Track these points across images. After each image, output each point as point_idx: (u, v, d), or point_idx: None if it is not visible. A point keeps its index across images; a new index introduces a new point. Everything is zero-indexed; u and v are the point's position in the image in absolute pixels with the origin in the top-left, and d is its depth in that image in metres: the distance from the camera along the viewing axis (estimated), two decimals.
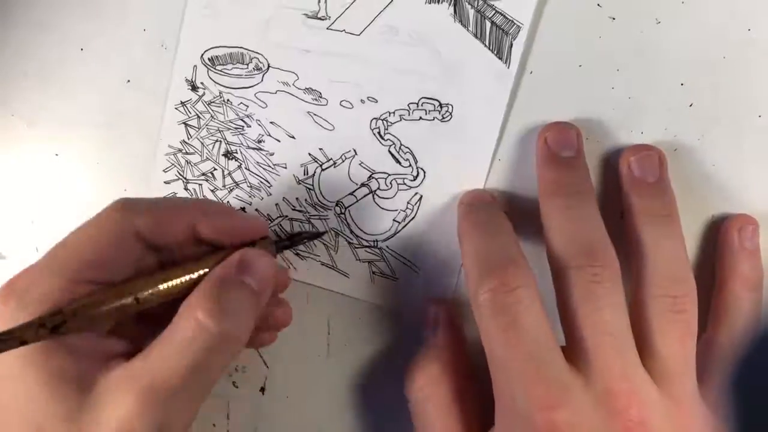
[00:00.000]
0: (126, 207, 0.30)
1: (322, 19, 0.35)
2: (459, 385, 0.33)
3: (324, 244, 0.37)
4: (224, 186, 0.37)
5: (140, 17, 0.37)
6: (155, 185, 0.38)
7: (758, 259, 0.33)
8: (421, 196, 0.35)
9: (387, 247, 0.36)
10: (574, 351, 0.29)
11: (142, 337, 0.31)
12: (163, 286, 0.29)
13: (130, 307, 0.29)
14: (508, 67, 0.34)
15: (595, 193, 0.32)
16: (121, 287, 0.29)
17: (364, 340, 0.37)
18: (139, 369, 0.27)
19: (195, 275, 0.30)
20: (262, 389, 0.38)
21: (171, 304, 0.29)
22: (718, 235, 0.33)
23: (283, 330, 0.35)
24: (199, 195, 0.38)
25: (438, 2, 0.34)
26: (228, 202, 0.37)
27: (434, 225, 0.36)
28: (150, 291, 0.29)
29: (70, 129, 0.39)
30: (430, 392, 0.33)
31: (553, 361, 0.28)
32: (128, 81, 0.38)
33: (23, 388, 0.27)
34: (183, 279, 0.29)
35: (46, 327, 0.27)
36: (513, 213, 0.34)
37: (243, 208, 0.37)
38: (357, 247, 0.36)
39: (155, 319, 0.30)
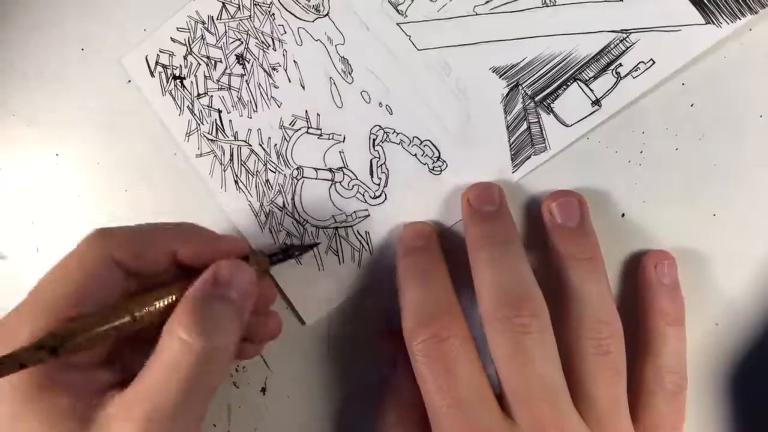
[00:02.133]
0: (103, 239, 0.29)
1: (400, 13, 0.34)
2: (425, 421, 0.33)
3: (263, 191, 0.37)
4: (217, 80, 0.37)
5: (140, 17, 0.36)
6: (161, 35, 0.37)
7: (678, 293, 0.33)
8: (369, 215, 0.36)
9: (312, 233, 0.37)
10: (507, 400, 0.29)
11: (131, 362, 0.30)
12: (158, 304, 0.29)
13: (127, 326, 0.28)
14: (513, 172, 0.34)
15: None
16: (116, 307, 0.28)
17: (364, 340, 0.37)
18: (134, 398, 0.27)
19: (182, 294, 0.29)
20: (263, 389, 0.38)
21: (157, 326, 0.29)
22: (637, 273, 0.34)
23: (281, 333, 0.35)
24: (191, 71, 0.37)
25: (500, 76, 0.34)
26: (211, 96, 0.37)
27: (362, 244, 0.36)
28: (146, 309, 0.28)
29: (70, 129, 0.38)
30: (400, 429, 0.33)
31: (485, 408, 0.29)
32: (128, 81, 0.37)
33: (22, 428, 0.27)
34: (176, 296, 0.29)
35: (45, 349, 0.26)
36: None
37: (219, 111, 0.37)
38: (287, 214, 0.37)
39: (140, 341, 0.30)
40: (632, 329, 0.33)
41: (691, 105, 0.33)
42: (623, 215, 0.34)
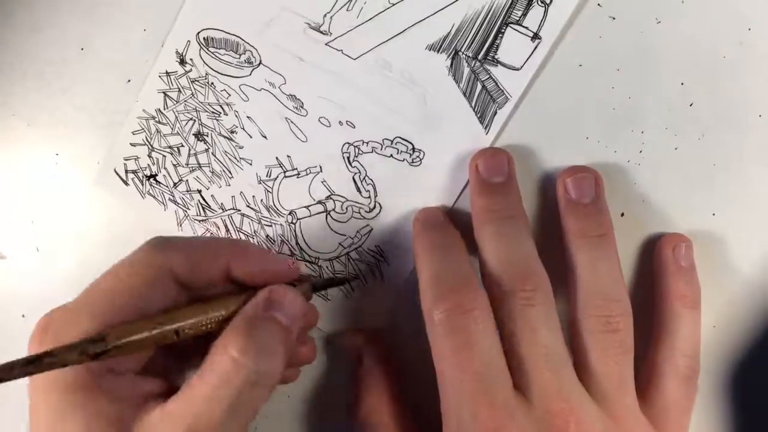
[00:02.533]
0: (161, 247, 0.30)
1: (324, 34, 0.35)
2: (397, 407, 0.34)
3: (267, 247, 0.37)
4: (187, 164, 0.38)
5: (140, 17, 0.37)
6: (120, 144, 0.38)
7: (694, 276, 0.33)
8: (372, 229, 0.36)
9: (327, 267, 0.37)
10: (515, 373, 0.30)
11: (173, 373, 0.31)
12: (203, 320, 0.29)
13: (169, 339, 0.29)
14: (486, 133, 0.34)
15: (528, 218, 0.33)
16: (162, 317, 0.29)
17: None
18: (178, 410, 0.27)
19: (230, 311, 0.30)
20: None
21: (201, 339, 0.29)
22: (653, 255, 0.34)
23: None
24: (160, 166, 0.38)
25: (438, 51, 0.34)
26: (187, 180, 0.38)
27: (377, 258, 0.36)
28: (191, 323, 0.29)
29: (70, 129, 0.38)
30: (372, 421, 0.34)
31: (501, 384, 0.29)
32: (128, 81, 0.37)
33: (60, 426, 0.27)
34: (220, 314, 0.30)
35: (89, 353, 0.27)
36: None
37: (199, 191, 0.37)
38: (298, 260, 0.37)
39: (183, 353, 0.31)
40: (640, 316, 0.32)
41: (691, 104, 0.33)
42: (622, 215, 0.34)
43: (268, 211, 0.37)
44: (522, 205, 0.33)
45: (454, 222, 0.35)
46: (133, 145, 0.38)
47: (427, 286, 0.31)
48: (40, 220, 0.39)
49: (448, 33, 0.34)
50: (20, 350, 0.36)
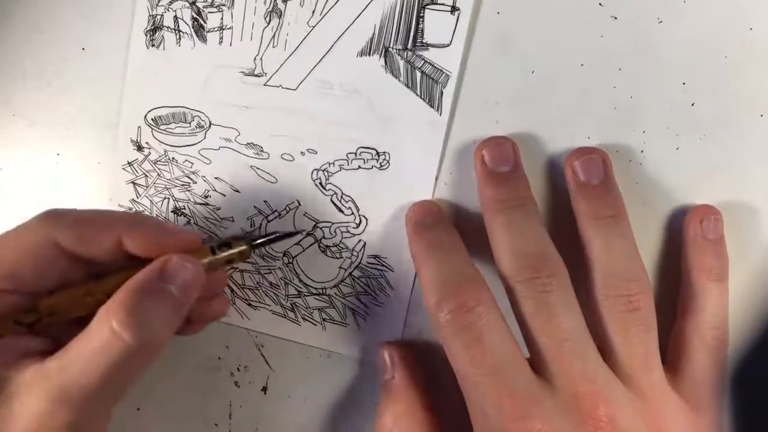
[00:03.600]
0: (49, 219, 0.30)
1: (259, 76, 0.36)
2: (426, 417, 0.34)
3: (274, 294, 0.37)
4: None
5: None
6: None
7: (722, 248, 0.33)
8: (365, 243, 0.36)
9: (335, 293, 0.37)
10: (537, 360, 0.29)
11: (59, 332, 0.31)
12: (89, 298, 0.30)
13: (96, 305, 0.29)
14: (440, 115, 0.34)
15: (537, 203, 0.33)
16: (92, 285, 0.30)
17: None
18: (53, 370, 0.28)
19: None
20: (264, 389, 0.39)
21: None
22: (682, 226, 0.34)
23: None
24: None
25: (369, 55, 0.35)
26: None
27: (379, 269, 0.36)
28: (113, 285, 0.29)
29: (71, 129, 0.38)
30: (399, 430, 0.34)
31: (519, 372, 0.29)
32: None
33: None
34: (113, 287, 0.30)
35: (23, 323, 0.29)
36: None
37: None
38: (306, 296, 0.37)
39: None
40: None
41: (692, 104, 0.33)
42: None
43: (264, 259, 0.37)
44: (531, 192, 0.33)
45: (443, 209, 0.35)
46: None
47: (428, 290, 0.31)
48: None
49: (373, 35, 0.35)
50: None
